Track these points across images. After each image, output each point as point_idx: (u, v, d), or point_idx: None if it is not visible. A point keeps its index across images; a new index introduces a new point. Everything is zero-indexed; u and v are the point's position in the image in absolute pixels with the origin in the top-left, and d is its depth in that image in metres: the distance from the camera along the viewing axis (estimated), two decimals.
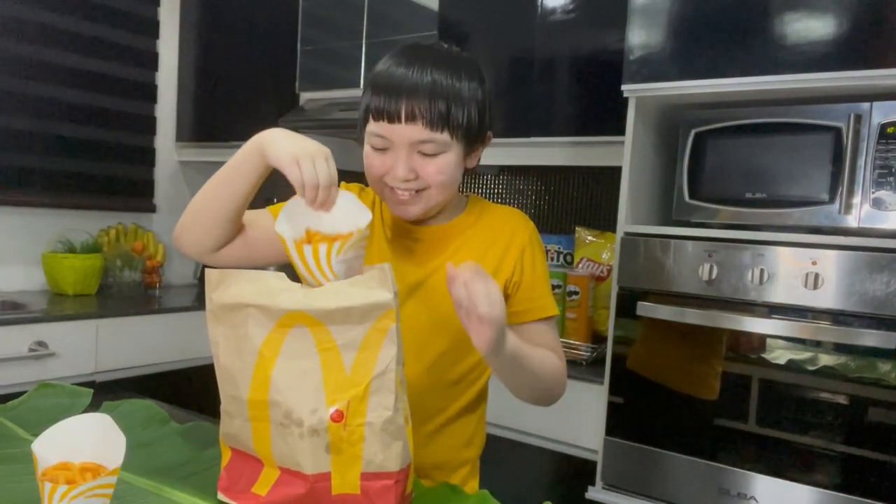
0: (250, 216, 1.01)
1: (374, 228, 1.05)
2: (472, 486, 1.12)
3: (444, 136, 0.93)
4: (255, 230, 1.01)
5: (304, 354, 0.79)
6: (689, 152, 1.71)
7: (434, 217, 1.04)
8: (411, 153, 0.93)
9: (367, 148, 0.97)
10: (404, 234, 1.03)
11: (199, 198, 0.96)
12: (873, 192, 1.47)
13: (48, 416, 1.08)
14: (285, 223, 0.82)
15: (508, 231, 1.05)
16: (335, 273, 0.79)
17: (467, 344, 1.04)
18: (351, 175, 1.10)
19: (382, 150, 0.95)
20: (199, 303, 2.63)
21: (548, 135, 2.10)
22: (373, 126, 0.95)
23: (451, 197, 1.01)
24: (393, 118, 0.92)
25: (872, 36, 1.45)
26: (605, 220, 2.35)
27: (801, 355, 1.50)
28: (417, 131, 0.92)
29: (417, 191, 0.96)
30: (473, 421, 1.10)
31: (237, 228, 0.99)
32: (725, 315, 1.57)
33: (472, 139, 0.98)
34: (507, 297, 1.05)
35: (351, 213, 0.83)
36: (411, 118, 0.91)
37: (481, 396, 1.11)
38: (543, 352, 0.98)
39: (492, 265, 1.03)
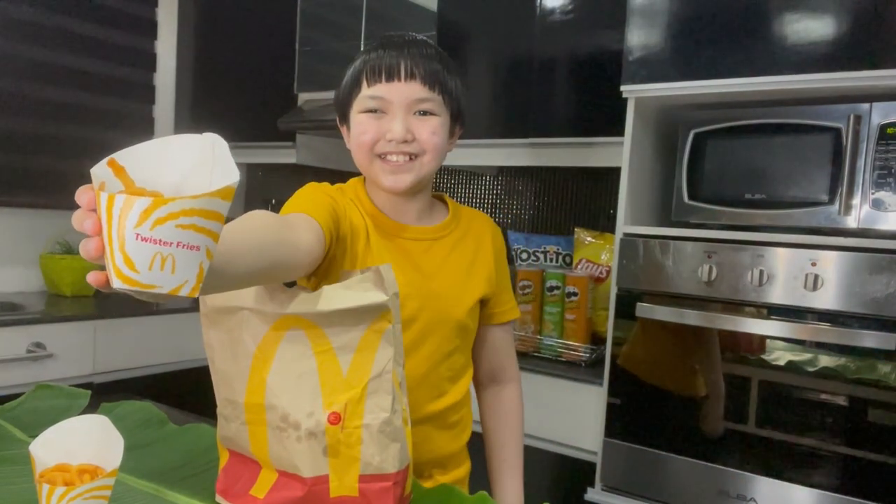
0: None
1: (363, 228, 0.99)
2: (466, 467, 1.13)
3: (440, 98, 0.96)
4: None
5: (300, 357, 0.78)
6: (688, 153, 1.71)
7: (422, 218, 1.04)
8: (408, 114, 0.95)
9: (358, 117, 0.97)
10: (396, 233, 1.02)
11: None
12: (873, 193, 1.46)
13: (46, 417, 1.08)
14: (100, 164, 0.51)
15: (488, 237, 1.10)
16: (127, 255, 0.48)
17: (463, 345, 1.06)
18: (350, 176, 1.08)
19: (376, 115, 0.96)
20: (196, 304, 2.61)
21: (547, 135, 2.10)
22: (367, 91, 0.96)
23: (435, 171, 1.01)
24: (392, 76, 0.94)
25: (872, 36, 1.45)
26: (604, 221, 2.35)
27: (801, 356, 1.50)
28: (416, 89, 0.94)
29: (411, 158, 0.96)
30: (462, 412, 1.10)
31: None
32: (725, 316, 1.57)
33: (455, 117, 1.01)
34: (489, 299, 1.09)
35: (199, 164, 0.54)
36: (410, 76, 0.94)
37: (468, 393, 1.12)
38: (516, 433, 1.15)
39: (481, 271, 1.06)
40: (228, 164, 0.53)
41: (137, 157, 0.53)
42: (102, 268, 0.51)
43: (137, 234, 0.48)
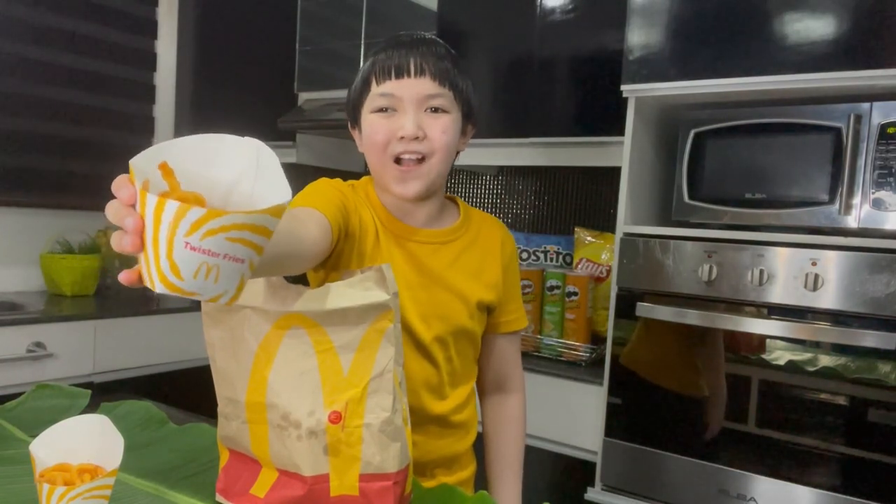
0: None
1: (373, 227, 1.01)
2: (472, 469, 1.13)
3: (450, 94, 0.96)
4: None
5: (301, 356, 0.78)
6: (688, 152, 1.71)
7: (432, 220, 1.04)
8: (419, 111, 0.95)
9: (369, 117, 0.97)
10: (404, 235, 1.02)
11: None
12: (873, 193, 1.46)
13: (46, 417, 1.08)
14: (144, 157, 0.51)
15: (498, 242, 1.09)
16: (174, 262, 0.49)
17: (465, 349, 1.06)
18: (350, 176, 1.08)
19: (387, 113, 0.95)
20: (196, 304, 2.60)
21: (547, 135, 2.10)
22: (378, 89, 0.95)
23: (446, 172, 1.01)
24: (402, 73, 0.94)
25: (872, 36, 1.45)
26: (604, 221, 2.35)
27: (801, 356, 1.50)
28: (427, 85, 0.94)
29: (420, 160, 0.95)
30: (466, 415, 1.10)
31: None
32: (725, 316, 1.57)
33: (466, 114, 1.01)
34: (495, 307, 1.08)
35: (243, 170, 0.54)
36: (420, 72, 0.94)
37: (472, 395, 1.12)
38: (516, 444, 1.15)
39: (487, 277, 1.06)
40: (279, 179, 0.54)
41: (182, 157, 0.52)
42: (133, 263, 0.51)
43: (187, 243, 0.48)
